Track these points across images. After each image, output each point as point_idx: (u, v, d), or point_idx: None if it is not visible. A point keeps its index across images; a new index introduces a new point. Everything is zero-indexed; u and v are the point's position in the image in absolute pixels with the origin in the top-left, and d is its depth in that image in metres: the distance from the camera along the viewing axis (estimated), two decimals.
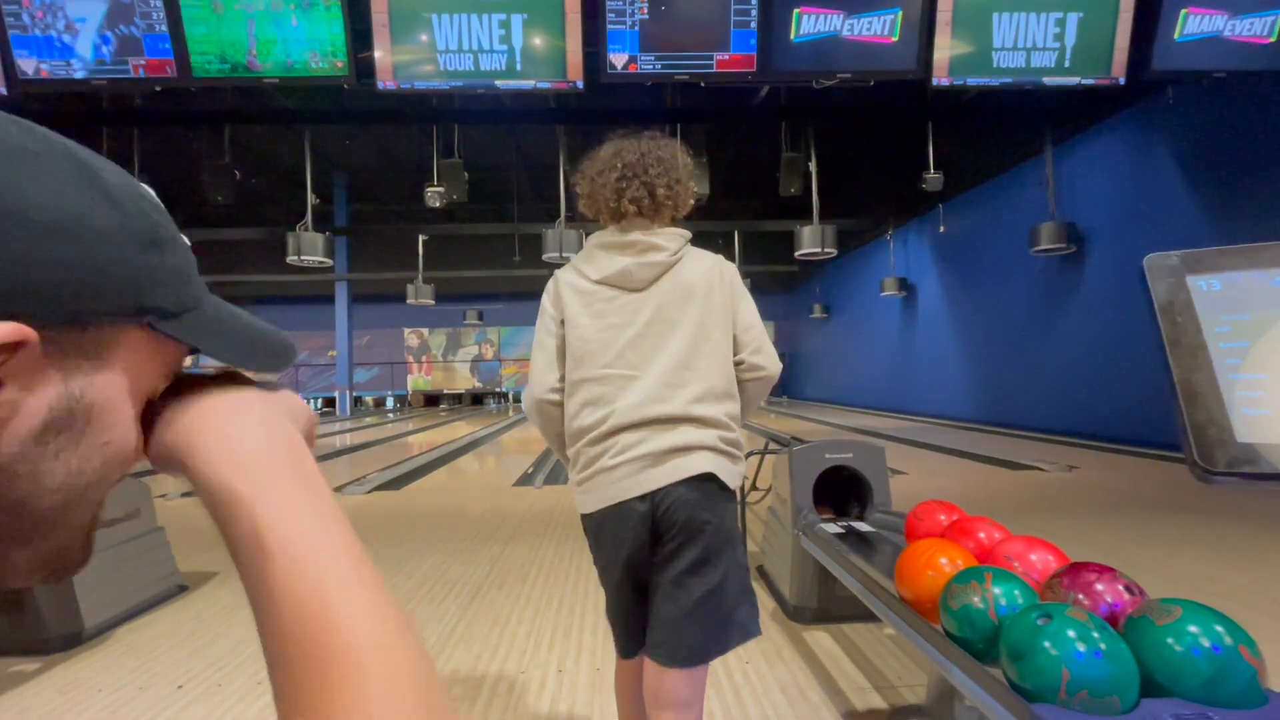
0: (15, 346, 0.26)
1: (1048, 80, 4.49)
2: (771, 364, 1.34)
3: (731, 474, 1.27)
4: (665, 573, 1.24)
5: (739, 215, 14.97)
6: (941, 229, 11.57)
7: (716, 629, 1.25)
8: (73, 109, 6.74)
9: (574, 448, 1.31)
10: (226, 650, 2.43)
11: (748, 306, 1.35)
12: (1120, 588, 1.35)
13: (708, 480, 1.23)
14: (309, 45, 4.33)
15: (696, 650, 1.24)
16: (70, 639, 2.48)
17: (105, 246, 0.30)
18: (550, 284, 1.43)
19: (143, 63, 4.16)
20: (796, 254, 9.27)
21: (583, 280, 1.36)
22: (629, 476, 1.22)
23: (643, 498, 1.21)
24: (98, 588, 2.62)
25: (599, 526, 1.28)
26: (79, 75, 4.21)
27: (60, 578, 0.34)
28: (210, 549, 3.92)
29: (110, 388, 0.31)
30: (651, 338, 1.28)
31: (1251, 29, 4.46)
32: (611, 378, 1.27)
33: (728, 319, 1.32)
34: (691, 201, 1.41)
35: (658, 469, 1.21)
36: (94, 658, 2.40)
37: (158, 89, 4.33)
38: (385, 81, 4.43)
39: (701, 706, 1.30)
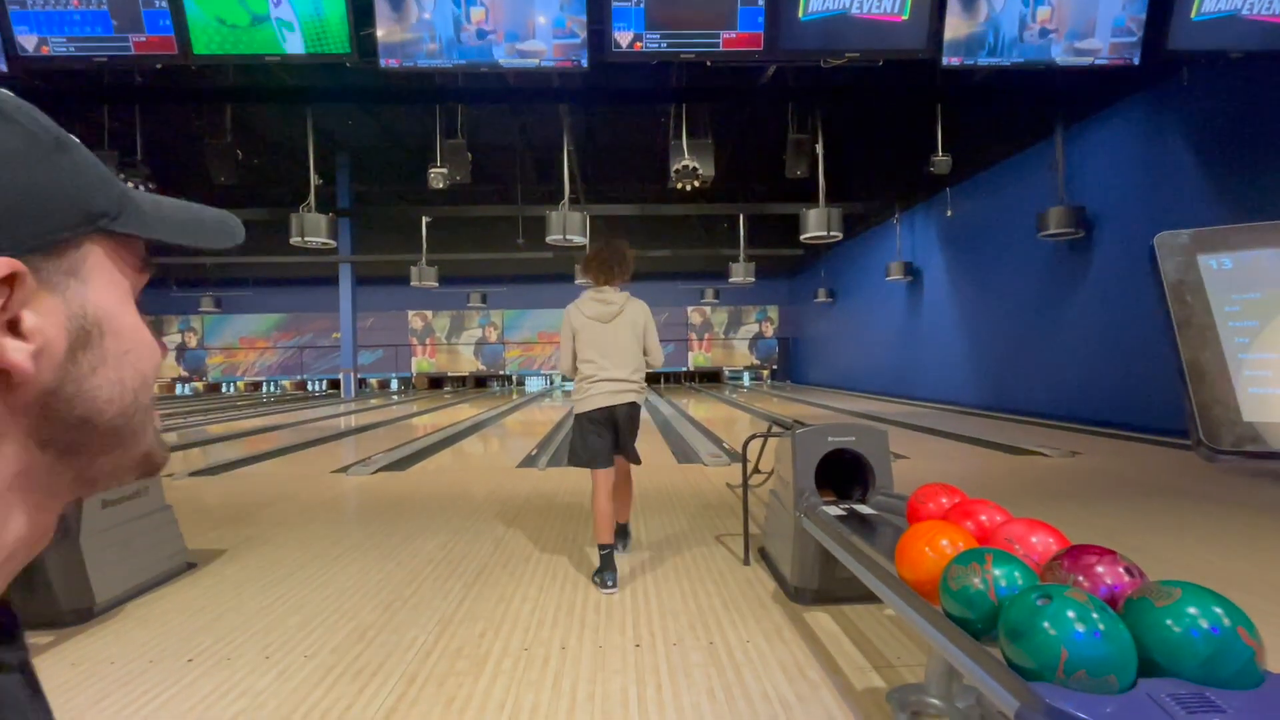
0: (11, 279, 0.28)
1: (1060, 60, 4.41)
2: (657, 359, 3.08)
3: (642, 402, 3.04)
4: (625, 435, 3.01)
5: (744, 198, 14.86)
6: (949, 213, 11.46)
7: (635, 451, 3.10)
8: (74, 87, 6.70)
9: (579, 385, 3.01)
10: (236, 625, 2.47)
11: (653, 331, 3.06)
12: (1120, 570, 1.36)
13: (634, 405, 3.01)
14: (312, 23, 4.28)
15: (635, 456, 3.10)
16: (82, 613, 2.53)
17: (26, 164, 0.30)
18: (568, 310, 3.04)
19: (143, 39, 4.13)
20: (802, 237, 9.21)
21: (581, 315, 3.00)
22: (605, 396, 2.94)
23: (609, 408, 2.94)
24: (108, 564, 2.66)
25: (589, 417, 2.95)
26: (78, 53, 4.17)
27: (153, 473, 0.37)
28: (217, 527, 3.97)
29: (105, 299, 0.33)
30: (612, 342, 2.97)
31: (1270, 7, 4.37)
32: (595, 359, 2.97)
33: (641, 336, 3.02)
34: (629, 275, 3.07)
35: (615, 398, 2.94)
36: (105, 632, 2.44)
37: (159, 66, 4.29)
38: (388, 60, 4.38)
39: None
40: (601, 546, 2.83)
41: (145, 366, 0.35)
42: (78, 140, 0.33)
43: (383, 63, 4.37)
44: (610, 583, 2.76)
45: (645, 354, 3.00)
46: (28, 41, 4.17)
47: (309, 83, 8.59)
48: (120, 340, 0.34)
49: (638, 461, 3.10)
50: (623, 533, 3.31)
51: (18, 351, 0.29)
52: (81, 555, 2.54)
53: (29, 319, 0.29)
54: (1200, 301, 0.52)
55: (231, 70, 7.07)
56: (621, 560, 3.11)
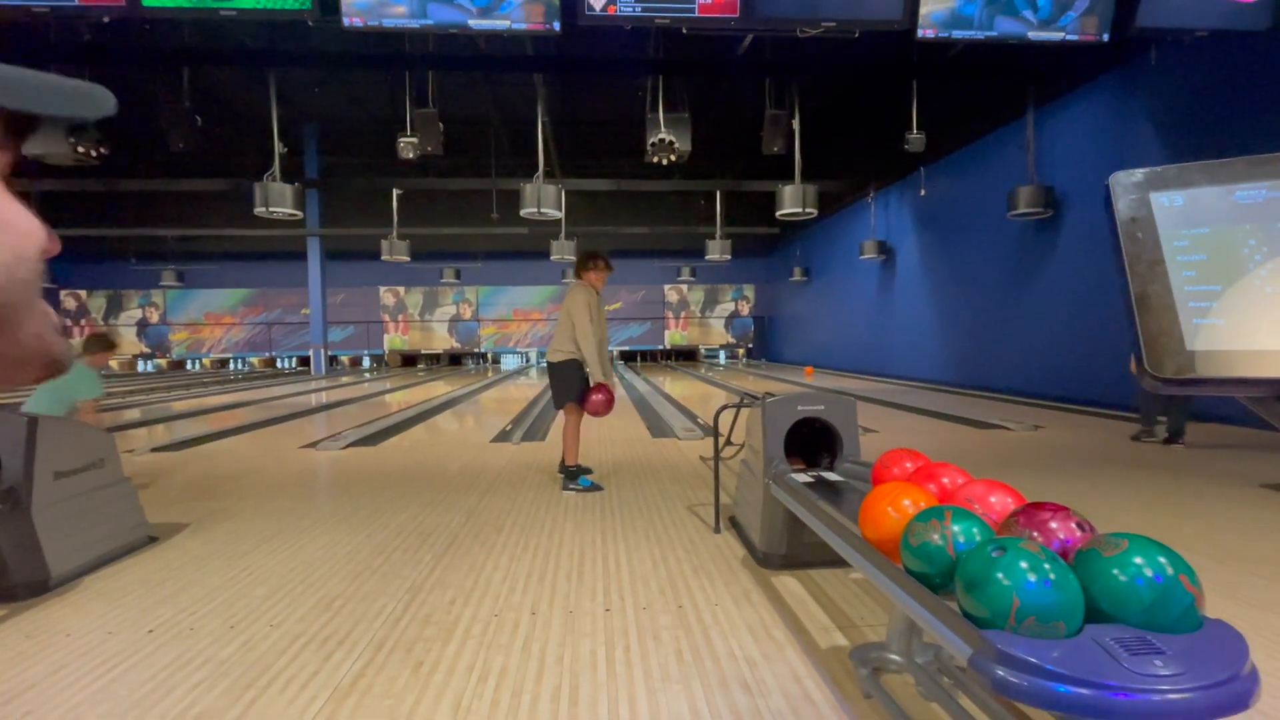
0: None
1: (1032, 35, 4.43)
2: (579, 333, 3.89)
3: (553, 361, 4.01)
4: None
5: (721, 175, 14.78)
6: (923, 192, 11.57)
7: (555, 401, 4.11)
8: (17, 42, 6.33)
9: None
10: (199, 597, 2.42)
11: (573, 311, 3.93)
12: (1073, 525, 1.40)
13: (550, 364, 4.06)
14: None
15: (555, 401, 4.09)
16: (36, 586, 2.46)
17: None
18: (585, 292, 3.94)
19: None
20: (778, 214, 9.22)
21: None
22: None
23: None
24: (63, 537, 2.59)
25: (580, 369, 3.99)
26: (21, 1, 3.93)
27: (52, 370, 0.35)
28: (180, 501, 3.88)
29: None
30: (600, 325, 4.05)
31: None
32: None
33: (567, 314, 3.99)
34: (583, 270, 4.05)
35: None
36: (62, 604, 2.38)
37: (105, 19, 4.06)
38: (351, 19, 4.22)
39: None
40: (582, 466, 4.09)
41: (24, 245, 0.32)
42: None
43: (345, 21, 4.20)
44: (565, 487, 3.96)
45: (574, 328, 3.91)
46: None
47: (270, 44, 8.24)
48: None
49: (556, 406, 4.05)
50: (562, 470, 4.03)
51: None
52: (34, 527, 2.46)
53: None
54: (1151, 237, 0.53)
55: (187, 29, 6.75)
56: (591, 526, 3.14)
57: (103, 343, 3.71)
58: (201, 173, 12.92)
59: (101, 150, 7.57)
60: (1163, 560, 1.15)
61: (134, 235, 17.91)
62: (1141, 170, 0.66)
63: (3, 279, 0.31)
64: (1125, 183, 0.65)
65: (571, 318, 3.87)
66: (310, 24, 4.29)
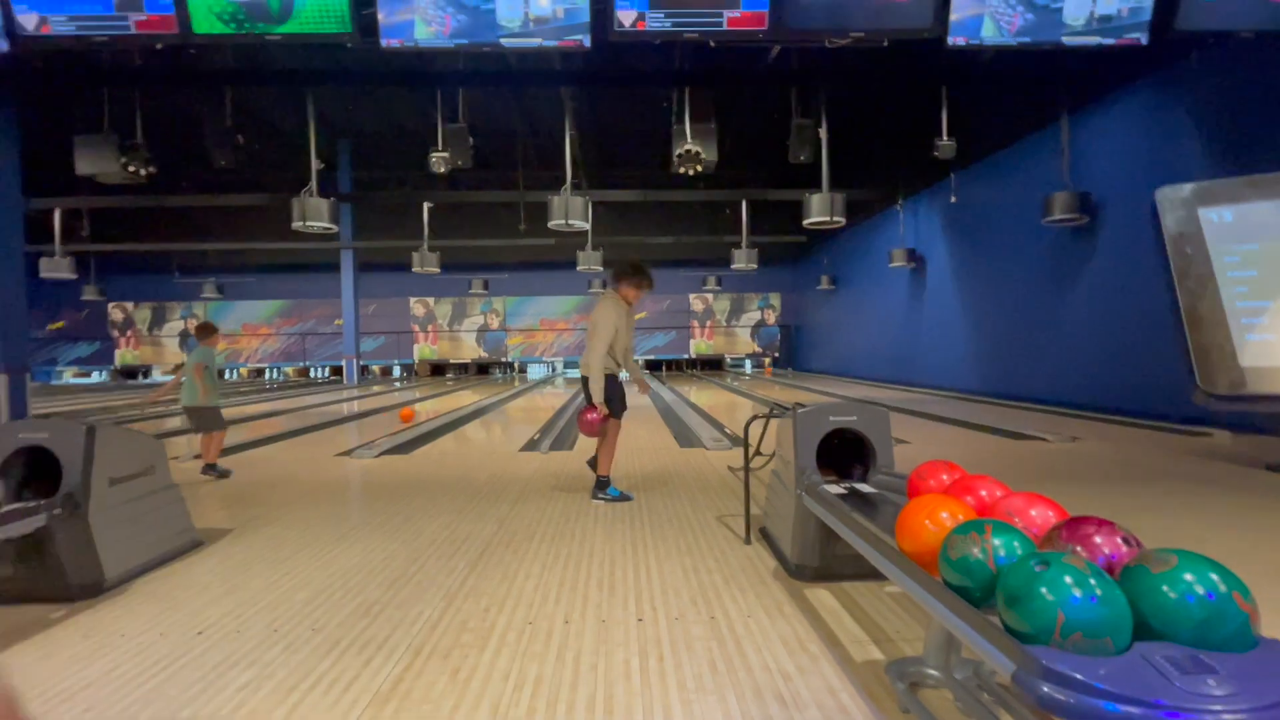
0: None
1: (1067, 40, 4.36)
2: (589, 348, 3.89)
3: (583, 374, 3.96)
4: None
5: (747, 184, 14.76)
6: (953, 199, 11.40)
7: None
8: (74, 67, 6.66)
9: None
10: (244, 600, 2.50)
11: (595, 325, 3.90)
12: (1118, 540, 1.37)
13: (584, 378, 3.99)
14: (312, 1, 4.24)
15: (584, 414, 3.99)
16: (91, 588, 2.56)
17: None
18: (614, 307, 3.91)
19: (143, 18, 4.10)
20: (805, 223, 9.17)
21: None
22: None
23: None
24: (117, 541, 2.69)
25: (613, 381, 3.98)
26: (79, 31, 4.15)
27: None
28: (224, 508, 4.01)
29: None
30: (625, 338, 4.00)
31: None
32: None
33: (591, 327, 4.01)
34: (622, 281, 3.99)
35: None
36: (116, 605, 2.48)
37: (158, 46, 4.27)
38: (389, 40, 4.35)
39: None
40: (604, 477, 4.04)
41: None
42: None
43: (384, 42, 4.34)
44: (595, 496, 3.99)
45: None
46: (28, 20, 4.15)
47: (309, 65, 8.53)
48: None
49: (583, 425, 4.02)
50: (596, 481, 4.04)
51: None
52: (90, 531, 2.57)
53: None
54: (1200, 252, 0.52)
55: (230, 52, 7.03)
56: (621, 536, 3.16)
57: (208, 329, 5.10)
58: (241, 188, 13.36)
59: (150, 169, 7.90)
60: (1214, 577, 1.12)
61: (177, 250, 18.58)
62: (1189, 185, 0.66)
63: None
64: (1172, 198, 0.66)
65: (591, 335, 3.84)
66: (348, 45, 4.44)
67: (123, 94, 8.28)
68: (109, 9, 4.09)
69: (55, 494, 2.55)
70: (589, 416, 3.83)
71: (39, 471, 2.67)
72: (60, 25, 4.14)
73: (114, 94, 8.17)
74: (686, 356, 22.41)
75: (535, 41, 4.25)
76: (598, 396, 3.80)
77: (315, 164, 8.88)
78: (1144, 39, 4.36)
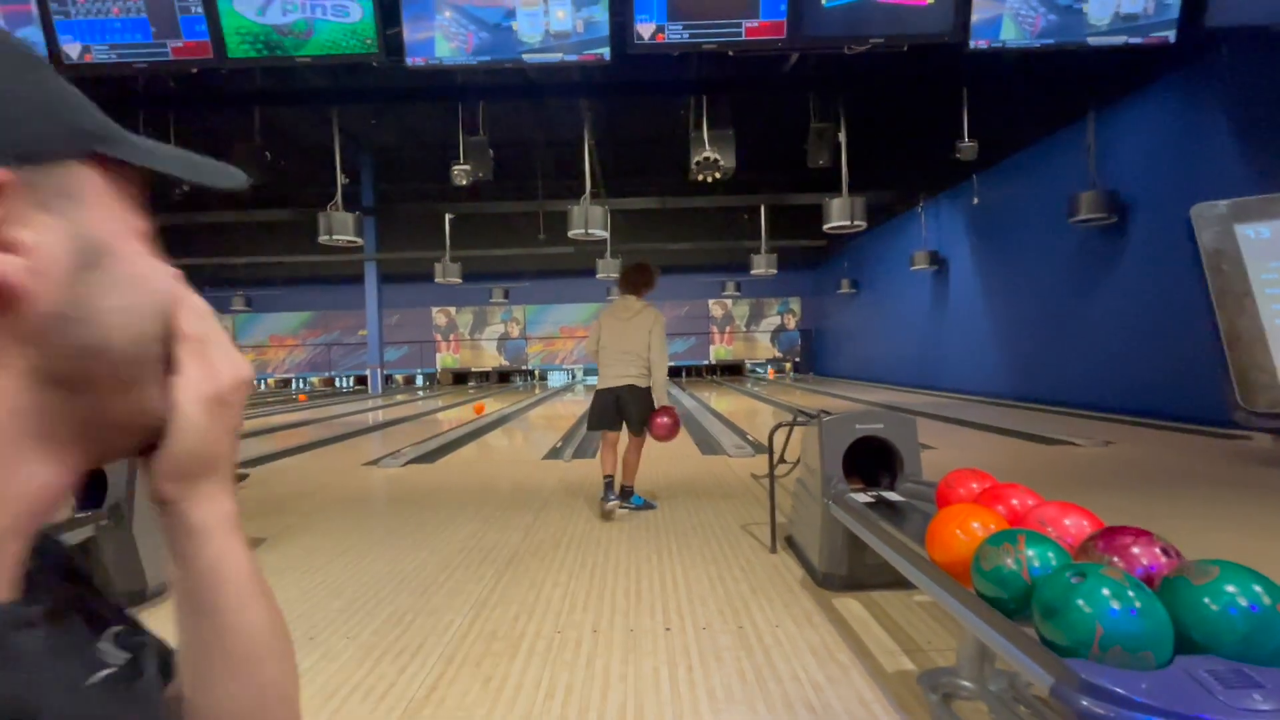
0: (0, 188, 0.27)
1: (1093, 41, 4.30)
2: (658, 358, 3.84)
3: (642, 385, 3.85)
4: (627, 409, 3.84)
5: (766, 189, 14.74)
6: (976, 200, 11.25)
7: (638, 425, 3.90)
8: (110, 92, 6.90)
9: (600, 366, 3.94)
10: (281, 608, 2.55)
11: (659, 334, 3.85)
12: (1156, 550, 1.35)
13: (633, 387, 3.84)
14: (339, 23, 4.37)
15: (636, 429, 3.89)
16: (134, 596, 2.64)
17: (2, 72, 0.29)
18: (601, 310, 4.06)
19: (180, 44, 4.25)
20: (825, 227, 9.12)
21: (606, 315, 3.97)
22: (609, 380, 3.87)
23: (612, 389, 3.86)
24: (158, 549, 2.77)
25: (598, 393, 3.93)
26: (120, 59, 4.31)
27: (152, 442, 0.36)
28: (256, 518, 4.10)
29: (104, 223, 0.31)
30: (620, 338, 3.86)
31: None
32: (609, 349, 3.90)
33: (648, 335, 3.83)
34: (651, 289, 4.00)
35: (616, 380, 3.85)
36: (158, 614, 2.55)
37: (193, 70, 4.42)
38: (414, 59, 4.45)
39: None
40: (606, 476, 3.86)
41: (160, 295, 0.34)
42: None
43: (409, 61, 4.44)
44: (608, 498, 3.78)
45: (649, 350, 3.83)
46: (72, 49, 4.32)
47: (335, 84, 8.73)
48: (130, 264, 0.32)
49: (637, 434, 3.90)
50: (623, 492, 3.93)
51: (10, 264, 0.27)
52: (134, 541, 2.65)
53: (23, 234, 0.27)
54: (1237, 270, 0.52)
55: (259, 74, 7.23)
56: (646, 544, 3.17)
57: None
58: (268, 204, 13.71)
59: (183, 187, 8.14)
60: (1258, 589, 1.10)
61: (209, 264, 19.09)
62: (1224, 202, 0.67)
63: (142, 331, 0.32)
64: (1208, 215, 0.67)
65: (655, 347, 3.82)
66: (375, 64, 4.55)
67: (156, 116, 8.56)
68: (148, 37, 4.25)
69: (100, 505, 2.64)
70: (662, 420, 3.79)
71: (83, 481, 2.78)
72: (102, 53, 4.31)
73: (148, 116, 8.44)
74: (706, 362, 22.37)
75: (556, 56, 4.32)
76: (665, 400, 3.84)
77: (340, 179, 9.08)
78: (1172, 37, 4.28)
